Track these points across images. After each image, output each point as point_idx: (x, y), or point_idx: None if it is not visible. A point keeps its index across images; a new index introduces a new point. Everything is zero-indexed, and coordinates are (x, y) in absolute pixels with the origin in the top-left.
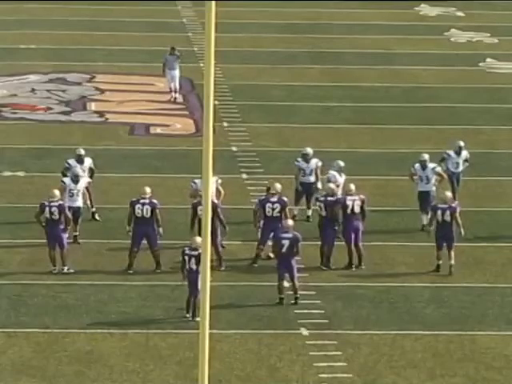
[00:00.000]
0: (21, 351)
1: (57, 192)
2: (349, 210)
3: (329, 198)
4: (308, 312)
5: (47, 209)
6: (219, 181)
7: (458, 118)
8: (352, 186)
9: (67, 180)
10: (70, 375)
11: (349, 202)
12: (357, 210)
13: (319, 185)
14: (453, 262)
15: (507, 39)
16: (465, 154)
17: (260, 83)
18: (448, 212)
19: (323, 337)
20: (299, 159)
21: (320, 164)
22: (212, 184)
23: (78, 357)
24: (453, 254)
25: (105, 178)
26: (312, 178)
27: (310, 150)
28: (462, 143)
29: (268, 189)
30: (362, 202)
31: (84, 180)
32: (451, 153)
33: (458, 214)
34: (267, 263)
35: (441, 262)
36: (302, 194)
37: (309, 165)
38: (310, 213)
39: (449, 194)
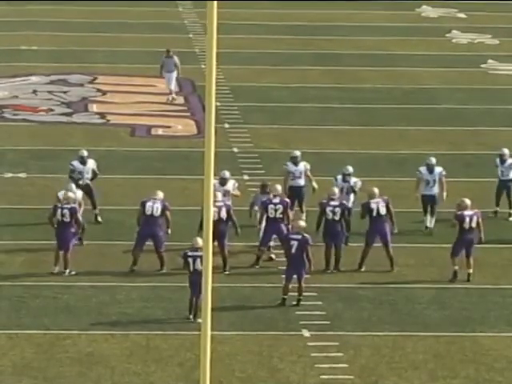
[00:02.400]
0: (22, 353)
1: (71, 194)
2: (374, 213)
3: (344, 202)
4: (309, 313)
5: (59, 211)
6: (236, 184)
7: (459, 119)
8: (375, 190)
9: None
10: (71, 377)
11: (373, 205)
12: (382, 211)
13: (315, 184)
14: (471, 270)
15: (508, 40)
16: (510, 161)
17: (261, 84)
18: (475, 218)
19: (324, 338)
20: (288, 163)
21: (308, 166)
22: (230, 187)
23: (79, 358)
24: (472, 261)
25: (106, 179)
26: (301, 181)
27: (298, 153)
28: (506, 151)
29: (262, 186)
30: (387, 203)
31: (79, 194)
32: (497, 161)
33: (481, 220)
34: (269, 265)
35: (457, 267)
36: (293, 199)
37: (297, 167)
38: (304, 216)
39: (467, 200)
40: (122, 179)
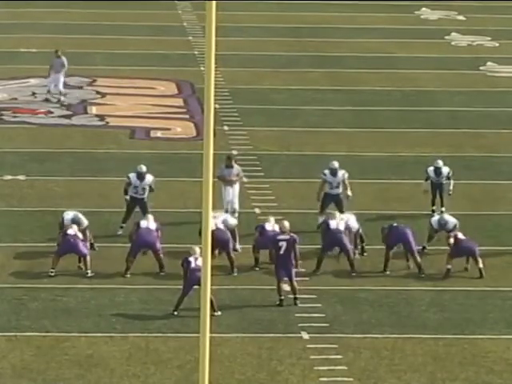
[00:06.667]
0: (21, 355)
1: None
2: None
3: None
4: (308, 316)
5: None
6: (346, 175)
7: (459, 121)
8: None
9: (132, 176)
10: (70, 379)
11: None
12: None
13: (349, 192)
14: (481, 265)
15: (508, 43)
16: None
17: (261, 87)
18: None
19: (324, 340)
20: (326, 172)
21: (346, 175)
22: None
23: (79, 360)
24: (480, 262)
25: (105, 181)
26: (339, 190)
27: (336, 164)
28: (440, 162)
29: (227, 158)
30: None
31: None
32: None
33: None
34: (268, 267)
35: (450, 266)
36: (328, 204)
37: (336, 178)
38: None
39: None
40: (121, 181)
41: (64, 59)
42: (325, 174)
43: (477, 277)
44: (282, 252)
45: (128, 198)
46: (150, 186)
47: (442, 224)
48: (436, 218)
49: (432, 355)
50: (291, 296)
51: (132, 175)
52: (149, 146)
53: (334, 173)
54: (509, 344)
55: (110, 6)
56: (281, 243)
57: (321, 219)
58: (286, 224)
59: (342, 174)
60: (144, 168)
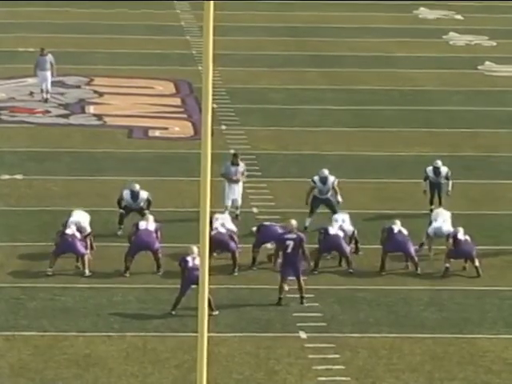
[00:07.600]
0: (19, 354)
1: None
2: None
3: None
4: (306, 315)
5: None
6: (336, 182)
7: (457, 121)
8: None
9: (126, 193)
10: (68, 378)
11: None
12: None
13: (339, 198)
14: (477, 263)
15: (506, 42)
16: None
17: (258, 86)
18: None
19: (322, 340)
20: (316, 180)
21: (336, 182)
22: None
23: (77, 360)
24: (477, 261)
25: (104, 181)
26: (328, 195)
27: (326, 172)
28: (439, 162)
29: (234, 156)
30: None
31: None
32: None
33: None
34: (265, 266)
35: (448, 264)
36: (317, 206)
37: (325, 186)
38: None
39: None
40: (119, 181)
41: (51, 57)
42: (314, 182)
43: (475, 276)
44: (289, 251)
45: (122, 210)
46: (148, 200)
47: (438, 234)
48: (433, 227)
49: (430, 355)
50: (291, 295)
51: (126, 193)
52: (147, 145)
53: (323, 181)
54: (507, 343)
55: (109, 6)
56: (288, 242)
57: (308, 220)
58: (293, 223)
59: (331, 181)
60: (137, 186)
